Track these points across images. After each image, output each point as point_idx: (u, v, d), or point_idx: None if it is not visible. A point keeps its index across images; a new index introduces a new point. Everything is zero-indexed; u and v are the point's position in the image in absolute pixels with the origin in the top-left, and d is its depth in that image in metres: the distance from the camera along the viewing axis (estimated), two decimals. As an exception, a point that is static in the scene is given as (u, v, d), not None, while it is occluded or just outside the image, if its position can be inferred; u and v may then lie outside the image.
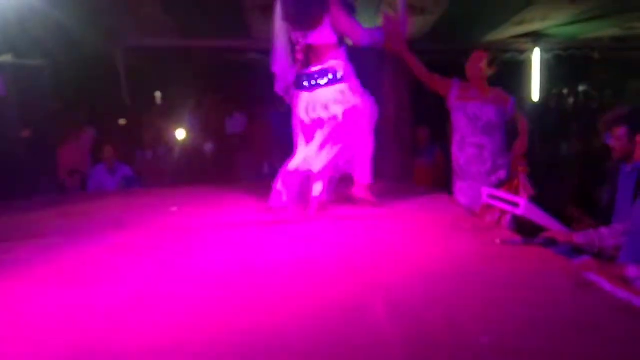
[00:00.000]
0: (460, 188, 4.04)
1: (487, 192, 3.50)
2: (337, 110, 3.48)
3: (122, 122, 8.56)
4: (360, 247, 2.75)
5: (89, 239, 3.11)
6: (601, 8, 7.26)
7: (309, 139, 3.57)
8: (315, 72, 3.50)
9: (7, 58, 4.81)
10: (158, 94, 9.59)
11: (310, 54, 3.50)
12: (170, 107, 8.41)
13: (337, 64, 3.50)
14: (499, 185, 3.92)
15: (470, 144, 3.97)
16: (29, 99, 4.95)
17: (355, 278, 2.25)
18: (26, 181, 4.84)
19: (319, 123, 3.54)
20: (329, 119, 3.50)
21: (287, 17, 3.49)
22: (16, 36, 4.79)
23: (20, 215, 4.04)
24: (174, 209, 4.01)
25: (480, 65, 3.98)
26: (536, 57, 9.16)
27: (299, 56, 3.50)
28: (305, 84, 3.53)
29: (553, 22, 8.15)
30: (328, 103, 3.49)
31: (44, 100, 5.22)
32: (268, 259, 2.59)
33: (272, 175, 6.02)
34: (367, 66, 5.06)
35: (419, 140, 6.44)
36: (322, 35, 3.46)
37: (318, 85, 3.51)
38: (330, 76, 3.49)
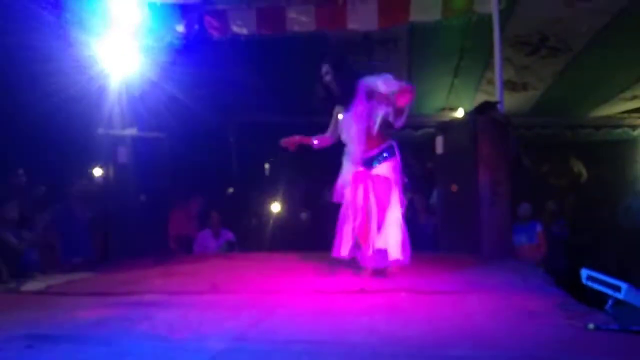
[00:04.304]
0: None
1: (586, 273, 3.30)
2: None
3: (230, 190, 9.10)
4: (444, 323, 2.70)
5: (184, 296, 3.32)
6: None
7: None
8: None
9: (131, 131, 5.40)
10: (267, 166, 10.12)
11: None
12: (274, 177, 8.81)
13: None
14: None
15: None
16: (147, 167, 5.48)
17: (434, 352, 2.21)
18: (138, 241, 5.28)
19: None
20: None
21: None
22: (139, 111, 5.39)
23: (127, 272, 4.41)
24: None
25: None
26: (651, 132, 8.64)
27: None
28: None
29: (668, 96, 7.74)
30: None
31: (160, 169, 5.74)
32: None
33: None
34: (461, 141, 5.12)
35: (519, 217, 6.22)
36: None
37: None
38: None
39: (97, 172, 5.96)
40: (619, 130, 8.73)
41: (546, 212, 6.62)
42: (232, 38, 5.75)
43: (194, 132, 7.33)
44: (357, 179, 3.88)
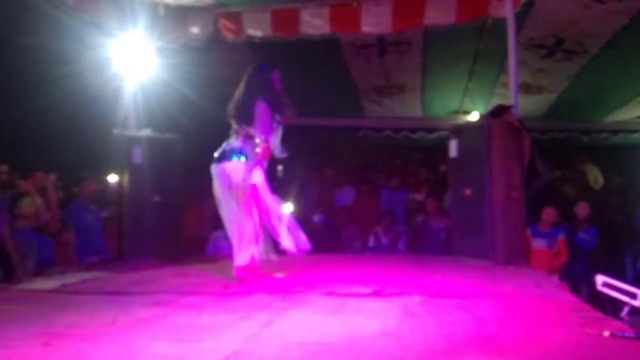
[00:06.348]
0: None
1: (602, 280, 3.27)
2: None
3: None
4: (455, 329, 2.69)
5: (197, 297, 3.34)
6: None
7: None
8: None
9: (146, 132, 5.45)
10: (279, 167, 10.12)
11: None
12: (288, 178, 8.81)
13: None
14: None
15: None
16: (162, 168, 5.52)
17: (445, 358, 2.21)
18: (152, 241, 5.32)
19: None
20: None
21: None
22: (154, 112, 5.43)
23: (141, 272, 4.46)
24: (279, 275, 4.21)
25: None
26: (669, 138, 8.53)
27: None
28: None
29: (686, 100, 7.63)
30: None
31: (174, 170, 5.77)
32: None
33: (377, 249, 6.05)
34: (475, 145, 5.10)
35: (543, 222, 6.11)
36: None
37: None
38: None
39: (113, 172, 6.01)
40: (636, 135, 8.63)
41: (577, 218, 6.43)
42: (246, 40, 5.77)
43: (208, 133, 7.36)
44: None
